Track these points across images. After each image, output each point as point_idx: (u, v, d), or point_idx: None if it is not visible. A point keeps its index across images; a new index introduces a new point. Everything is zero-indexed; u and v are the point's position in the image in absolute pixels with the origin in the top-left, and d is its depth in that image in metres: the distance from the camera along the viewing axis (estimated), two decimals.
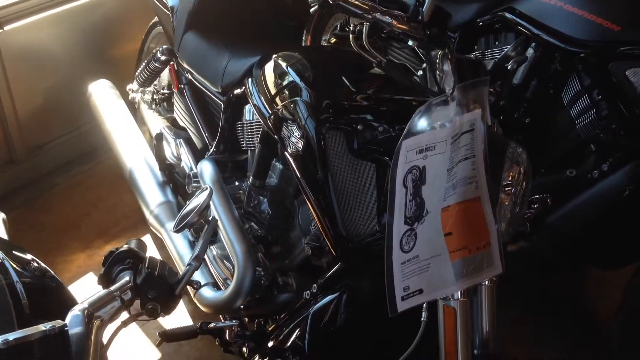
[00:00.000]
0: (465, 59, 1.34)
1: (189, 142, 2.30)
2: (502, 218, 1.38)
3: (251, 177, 1.86)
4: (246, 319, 1.94)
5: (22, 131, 2.84)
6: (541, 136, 2.25)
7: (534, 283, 2.44)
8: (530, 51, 2.20)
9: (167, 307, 1.12)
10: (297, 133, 1.54)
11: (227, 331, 1.61)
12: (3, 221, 2.27)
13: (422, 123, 1.18)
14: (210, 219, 1.41)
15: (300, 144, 1.52)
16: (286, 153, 1.58)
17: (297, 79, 1.62)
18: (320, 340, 1.54)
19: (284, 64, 1.71)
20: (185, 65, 2.22)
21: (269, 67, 1.77)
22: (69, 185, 2.96)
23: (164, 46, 2.35)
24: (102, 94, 2.66)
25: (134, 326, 2.28)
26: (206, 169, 1.97)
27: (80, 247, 2.64)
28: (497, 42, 2.42)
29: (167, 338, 1.64)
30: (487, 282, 1.43)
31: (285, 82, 1.67)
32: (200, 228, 2.03)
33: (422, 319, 1.34)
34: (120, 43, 3.03)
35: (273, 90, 1.70)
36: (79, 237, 2.69)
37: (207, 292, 1.88)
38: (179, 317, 2.30)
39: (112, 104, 2.61)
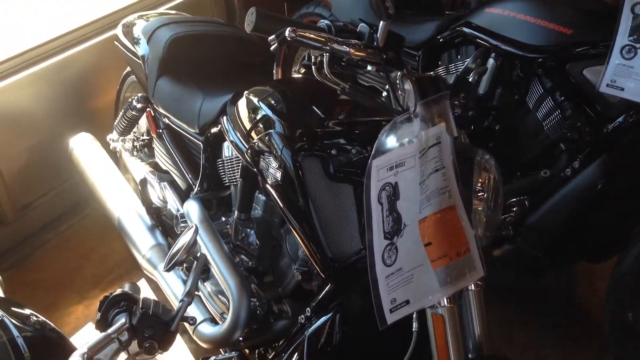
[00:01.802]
0: (425, 76, 1.41)
1: (173, 184, 2.35)
2: (478, 223, 1.44)
3: (236, 211, 1.91)
4: (247, 351, 1.98)
5: (10, 192, 2.87)
6: (512, 141, 2.33)
7: (522, 284, 2.50)
8: (490, 61, 2.29)
9: (164, 344, 1.16)
10: (274, 164, 1.60)
11: None
12: None
13: (389, 141, 1.24)
14: (198, 255, 1.45)
15: (278, 175, 1.58)
16: (266, 184, 1.64)
17: (269, 112, 1.68)
18: None
19: (255, 99, 1.78)
20: (161, 110, 2.28)
21: (242, 104, 1.84)
22: (59, 240, 2.98)
23: (139, 94, 2.41)
24: (83, 147, 2.70)
25: None
26: (192, 209, 2.01)
27: (77, 299, 2.67)
28: (459, 56, 2.51)
29: None
30: (473, 286, 1.48)
31: (258, 116, 1.73)
32: (191, 266, 2.09)
33: (414, 329, 1.39)
34: (97, 95, 3.08)
35: (247, 125, 1.76)
36: (74, 289, 2.71)
37: (205, 328, 1.92)
38: (183, 356, 2.32)
39: (94, 156, 2.66)
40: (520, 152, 2.32)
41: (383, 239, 1.27)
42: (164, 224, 2.39)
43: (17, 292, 2.69)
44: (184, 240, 1.45)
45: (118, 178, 2.56)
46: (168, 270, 1.47)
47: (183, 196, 2.28)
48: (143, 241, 2.28)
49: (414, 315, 1.40)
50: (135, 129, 2.63)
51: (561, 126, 2.14)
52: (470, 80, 2.08)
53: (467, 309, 1.49)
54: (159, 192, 2.36)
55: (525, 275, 2.37)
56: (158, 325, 1.13)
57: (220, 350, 1.99)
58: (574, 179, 2.10)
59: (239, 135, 1.79)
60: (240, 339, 1.87)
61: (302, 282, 1.70)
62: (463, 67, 2.43)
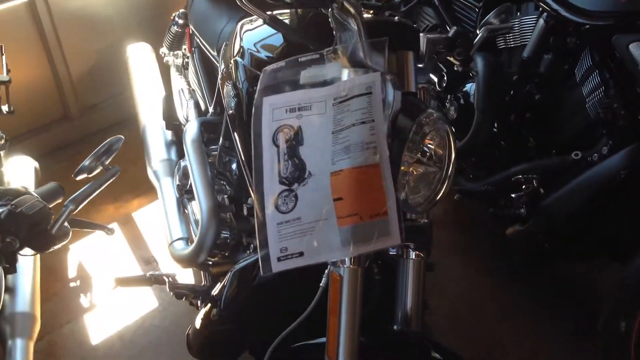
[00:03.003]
0: (382, 19, 1.30)
1: (197, 104, 2.38)
2: (403, 186, 1.32)
3: (221, 138, 1.90)
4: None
5: (76, 90, 3.07)
6: (551, 114, 2.11)
7: (532, 267, 2.31)
8: (540, 22, 2.07)
9: (35, 245, 1.19)
10: (232, 92, 1.56)
11: (166, 280, 1.68)
12: (35, 169, 2.49)
13: (289, 79, 1.16)
14: (112, 167, 1.47)
15: (233, 103, 1.55)
16: (227, 112, 1.61)
17: (245, 42, 1.63)
18: (236, 297, 1.56)
19: (245, 27, 1.73)
20: (192, 28, 2.29)
21: (236, 31, 1.79)
22: None
23: (181, 10, 2.43)
24: (138, 56, 2.80)
25: None
26: (189, 129, 2.03)
27: (111, 199, 2.84)
28: (518, 13, 2.28)
29: (120, 283, 1.75)
30: (413, 256, 1.39)
31: (239, 45, 1.69)
32: (184, 185, 2.12)
33: (321, 284, 1.34)
34: (169, 9, 3.15)
35: (230, 52, 1.72)
36: (112, 190, 2.86)
37: (179, 246, 1.97)
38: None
39: (144, 66, 2.74)
40: (557, 128, 2.09)
41: (278, 184, 1.20)
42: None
43: (64, 182, 2.90)
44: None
45: (158, 89, 2.63)
46: (75, 175, 1.51)
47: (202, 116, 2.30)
48: (156, 153, 2.35)
49: (326, 272, 1.34)
50: (185, 45, 2.67)
51: (601, 105, 1.90)
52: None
53: (403, 279, 1.41)
54: (184, 110, 2.40)
55: (532, 260, 2.18)
56: (24, 224, 1.17)
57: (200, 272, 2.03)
58: (598, 165, 1.87)
59: (223, 60, 1.76)
60: (210, 263, 1.90)
61: (250, 219, 1.67)
62: (518, 25, 2.22)
